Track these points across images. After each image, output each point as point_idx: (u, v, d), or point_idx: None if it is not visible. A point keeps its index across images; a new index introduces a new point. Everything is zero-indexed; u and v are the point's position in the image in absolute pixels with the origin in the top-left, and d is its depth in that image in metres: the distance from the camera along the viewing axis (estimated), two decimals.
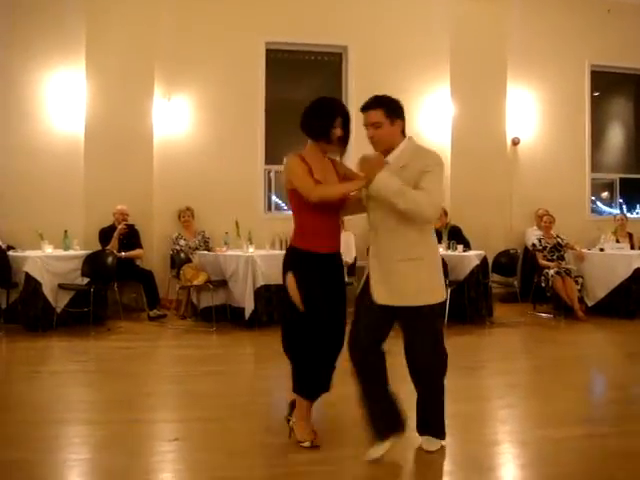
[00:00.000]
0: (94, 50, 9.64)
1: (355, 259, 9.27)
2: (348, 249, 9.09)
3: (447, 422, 4.13)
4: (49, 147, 9.62)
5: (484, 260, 8.96)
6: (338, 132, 4.03)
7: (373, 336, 3.93)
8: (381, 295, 3.85)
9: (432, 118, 10.83)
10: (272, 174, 10.66)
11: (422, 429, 4.12)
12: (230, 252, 8.70)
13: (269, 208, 10.75)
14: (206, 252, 9.11)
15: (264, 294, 8.28)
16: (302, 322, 3.95)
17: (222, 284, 8.50)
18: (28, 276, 7.95)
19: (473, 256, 8.75)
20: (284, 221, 10.32)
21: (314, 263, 3.99)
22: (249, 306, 8.17)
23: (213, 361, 6.86)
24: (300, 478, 3.71)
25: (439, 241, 9.06)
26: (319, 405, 4.29)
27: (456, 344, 7.72)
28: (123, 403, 5.20)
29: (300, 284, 3.94)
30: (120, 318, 8.78)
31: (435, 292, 3.92)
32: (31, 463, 3.91)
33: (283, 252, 9.73)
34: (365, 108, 3.93)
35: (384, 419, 3.95)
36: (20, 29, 9.57)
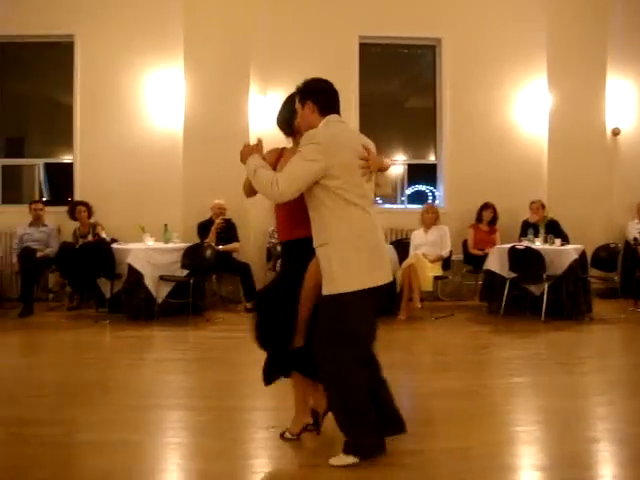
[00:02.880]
0: (192, 48, 9.91)
1: (450, 253, 9.19)
2: (443, 243, 9.04)
3: (546, 417, 4.06)
4: (150, 144, 9.96)
5: (583, 254, 8.74)
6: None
7: None
8: None
9: (529, 109, 10.63)
10: None
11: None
12: None
13: None
14: None
15: None
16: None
17: None
18: (131, 268, 8.25)
19: (571, 250, 8.55)
20: (378, 214, 10.24)
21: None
22: None
23: None
24: (397, 469, 3.74)
25: (536, 235, 8.91)
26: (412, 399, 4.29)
27: (554, 340, 7.63)
28: (222, 391, 5.36)
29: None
30: (218, 309, 9.03)
31: (337, 281, 3.62)
32: (133, 444, 4.10)
33: None
34: None
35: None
36: (119, 29, 9.96)
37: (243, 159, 3.83)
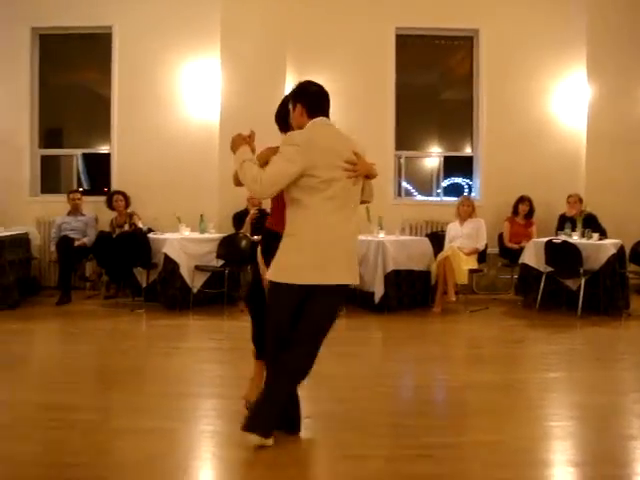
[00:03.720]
0: (229, 39, 9.91)
1: (486, 246, 9.12)
2: (478, 236, 8.96)
3: (582, 413, 4.02)
4: (186, 135, 9.98)
5: (621, 249, 8.61)
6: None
7: None
8: None
9: (567, 102, 10.49)
10: (402, 160, 10.63)
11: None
12: (361, 237, 8.74)
13: (399, 194, 10.73)
14: None
15: (394, 279, 8.30)
16: None
17: None
18: (167, 257, 8.30)
19: (609, 245, 8.43)
20: (413, 207, 10.32)
21: None
22: (379, 291, 8.20)
23: (342, 343, 6.90)
24: (430, 461, 3.73)
25: (573, 229, 8.81)
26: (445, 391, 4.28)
27: (590, 335, 7.55)
28: None
29: None
30: None
31: (282, 270, 3.87)
32: (168, 431, 4.15)
33: (413, 238, 9.71)
34: None
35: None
36: (157, 20, 10.01)
37: (233, 148, 4.02)
